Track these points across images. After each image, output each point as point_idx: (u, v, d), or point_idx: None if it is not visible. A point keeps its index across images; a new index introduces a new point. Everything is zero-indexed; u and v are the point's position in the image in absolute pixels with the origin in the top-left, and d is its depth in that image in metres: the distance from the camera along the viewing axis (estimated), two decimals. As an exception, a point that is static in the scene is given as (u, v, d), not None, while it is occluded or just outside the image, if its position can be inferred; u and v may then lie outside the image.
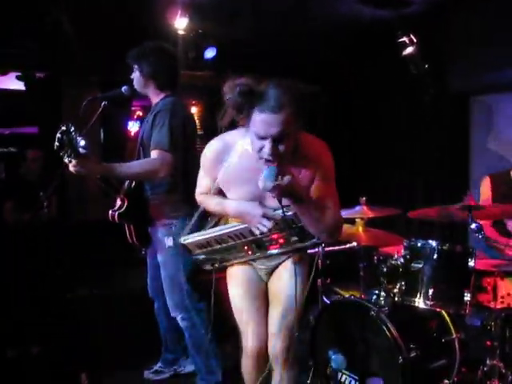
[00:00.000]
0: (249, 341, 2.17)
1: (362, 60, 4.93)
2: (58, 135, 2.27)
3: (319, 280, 3.16)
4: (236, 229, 2.02)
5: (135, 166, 2.62)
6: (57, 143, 2.28)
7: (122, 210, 2.68)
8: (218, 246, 2.09)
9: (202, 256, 2.15)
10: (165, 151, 2.53)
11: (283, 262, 2.16)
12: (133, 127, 5.78)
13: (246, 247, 2.07)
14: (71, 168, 2.37)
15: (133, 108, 5.71)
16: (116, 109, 4.06)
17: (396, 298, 2.53)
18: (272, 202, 1.86)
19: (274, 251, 2.07)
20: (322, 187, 1.93)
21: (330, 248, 3.22)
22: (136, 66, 2.75)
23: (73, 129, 2.28)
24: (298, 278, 2.05)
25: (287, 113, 1.71)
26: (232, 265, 2.18)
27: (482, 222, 3.03)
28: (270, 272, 2.20)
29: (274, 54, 4.61)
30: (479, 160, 4.32)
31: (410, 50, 4.29)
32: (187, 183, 2.56)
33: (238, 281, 2.21)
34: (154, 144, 2.57)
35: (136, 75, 2.77)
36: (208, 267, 2.18)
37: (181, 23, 4.02)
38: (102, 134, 5.25)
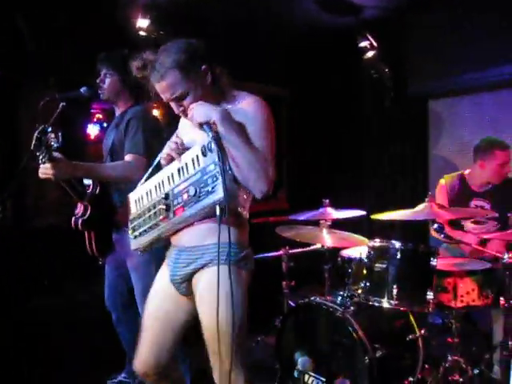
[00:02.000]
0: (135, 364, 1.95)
1: (327, 64, 4.99)
2: (37, 135, 2.20)
3: (284, 283, 3.17)
4: (150, 171, 1.94)
5: (118, 168, 2.57)
6: (35, 142, 2.20)
7: (86, 216, 2.60)
8: (142, 213, 1.90)
9: (143, 237, 1.91)
10: (140, 155, 2.54)
11: (201, 269, 1.80)
12: (92, 130, 5.64)
13: (159, 209, 1.82)
14: (41, 171, 2.28)
15: (92, 110, 5.58)
16: (75, 110, 3.95)
17: (361, 299, 2.55)
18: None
19: (180, 217, 1.75)
20: (253, 140, 1.76)
21: (295, 250, 3.22)
22: (113, 73, 2.69)
23: (50, 129, 2.20)
24: (224, 298, 1.68)
25: (172, 77, 1.76)
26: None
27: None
28: (189, 282, 1.86)
29: (241, 59, 4.61)
30: (438, 161, 4.44)
31: (370, 54, 4.38)
32: None
33: (149, 296, 1.99)
34: (129, 149, 2.57)
35: (111, 81, 2.71)
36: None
37: (142, 24, 3.95)
38: (60, 136, 5.08)
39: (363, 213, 3.14)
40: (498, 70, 3.74)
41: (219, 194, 1.62)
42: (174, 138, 1.85)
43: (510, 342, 2.46)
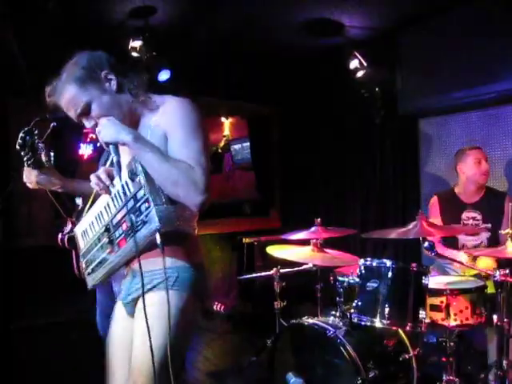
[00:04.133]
0: None
1: (317, 83, 5.03)
2: (22, 134, 2.17)
3: (276, 302, 3.14)
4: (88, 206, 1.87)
5: None
6: (20, 141, 2.17)
7: (73, 233, 2.57)
8: (90, 247, 1.83)
9: (96, 273, 1.82)
10: None
11: (148, 292, 1.67)
12: (86, 150, 5.64)
13: (104, 242, 1.75)
14: (25, 173, 2.23)
15: (85, 130, 5.58)
16: (67, 131, 3.95)
17: (353, 318, 2.52)
18: None
19: (125, 248, 1.65)
20: (176, 143, 1.63)
21: (286, 270, 3.20)
22: None
23: (36, 132, 2.18)
24: (154, 328, 1.56)
25: (70, 91, 1.67)
26: None
27: (431, 239, 3.14)
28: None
29: (230, 77, 4.65)
30: (429, 178, 4.46)
31: (360, 73, 4.43)
32: None
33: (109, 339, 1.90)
34: None
35: None
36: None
37: (134, 45, 3.99)
38: (52, 157, 5.08)
39: (354, 231, 3.13)
40: (485, 89, 3.79)
41: (154, 222, 1.52)
42: (99, 171, 1.70)
43: (504, 361, 2.43)
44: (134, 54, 4.00)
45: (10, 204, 3.98)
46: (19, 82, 3.90)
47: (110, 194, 1.67)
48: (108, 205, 1.71)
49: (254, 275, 3.34)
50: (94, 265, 1.81)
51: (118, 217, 1.65)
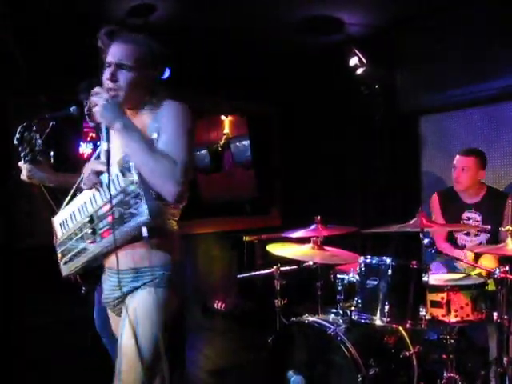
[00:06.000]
0: None
1: (318, 81, 5.03)
2: (20, 129, 2.17)
3: (276, 300, 3.14)
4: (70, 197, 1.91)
5: None
6: (18, 136, 2.16)
7: None
8: (69, 237, 1.85)
9: (73, 262, 1.85)
10: None
11: (133, 292, 1.74)
12: (86, 149, 5.64)
13: (86, 232, 1.77)
14: (24, 170, 2.23)
15: (85, 129, 5.58)
16: (67, 130, 3.95)
17: (353, 316, 2.53)
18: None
19: (108, 239, 1.69)
20: (164, 140, 1.71)
21: (287, 268, 3.20)
22: None
23: (34, 128, 2.17)
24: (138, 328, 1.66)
25: (136, 49, 1.79)
26: None
27: (436, 237, 3.14)
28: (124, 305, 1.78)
29: (230, 76, 4.65)
30: (429, 176, 4.45)
31: (360, 71, 4.42)
32: None
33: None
34: None
35: None
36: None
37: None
38: (51, 156, 5.08)
39: (354, 229, 3.13)
40: (485, 86, 3.79)
41: (144, 215, 1.59)
42: (91, 164, 1.80)
43: (504, 358, 2.43)
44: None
45: (10, 203, 3.98)
46: (19, 82, 3.90)
47: (98, 188, 1.73)
48: (94, 196, 1.75)
49: (255, 273, 3.33)
50: (71, 254, 1.83)
51: (105, 209, 1.70)
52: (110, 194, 1.66)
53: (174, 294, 1.75)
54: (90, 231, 1.75)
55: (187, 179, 1.67)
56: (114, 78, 1.77)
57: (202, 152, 5.58)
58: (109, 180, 1.67)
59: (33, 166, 2.16)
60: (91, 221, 1.74)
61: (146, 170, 1.63)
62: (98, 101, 1.68)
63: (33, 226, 4.52)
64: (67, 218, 1.87)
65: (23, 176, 2.21)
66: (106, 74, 1.78)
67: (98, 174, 1.73)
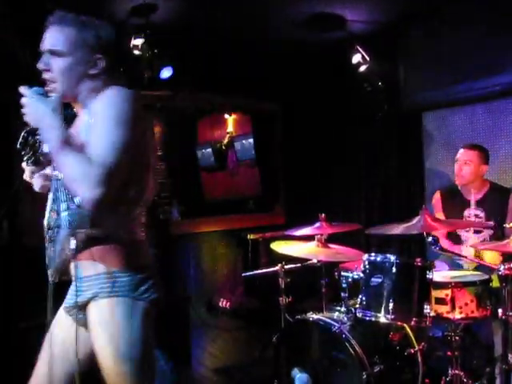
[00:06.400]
0: None
1: (320, 78, 5.02)
2: (24, 134, 2.18)
3: (281, 298, 3.14)
4: None
5: None
6: (21, 140, 2.17)
7: None
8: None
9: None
10: None
11: (91, 301, 1.61)
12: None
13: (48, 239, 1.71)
14: (26, 171, 2.25)
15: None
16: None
17: (357, 313, 2.53)
18: None
19: (57, 249, 1.64)
20: (95, 133, 1.52)
21: (291, 266, 3.20)
22: None
23: (38, 132, 2.19)
24: (103, 334, 1.57)
25: (67, 31, 1.62)
26: None
27: (437, 234, 3.13)
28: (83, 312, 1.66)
29: (232, 74, 4.65)
30: (433, 173, 4.44)
31: (363, 68, 4.41)
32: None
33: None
34: None
35: None
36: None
37: (136, 43, 3.99)
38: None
39: (359, 227, 3.13)
40: (489, 81, 3.77)
41: (65, 227, 1.57)
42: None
43: (509, 355, 2.43)
44: (136, 52, 4.00)
45: (13, 203, 3.99)
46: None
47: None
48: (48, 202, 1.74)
49: (259, 271, 3.33)
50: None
51: (53, 215, 1.68)
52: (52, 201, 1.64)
53: (137, 301, 1.59)
54: (48, 238, 1.70)
55: (112, 181, 1.45)
56: (46, 68, 1.61)
57: (207, 151, 5.59)
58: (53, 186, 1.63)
59: (35, 168, 2.18)
60: (48, 227, 1.69)
61: (63, 174, 1.53)
62: (24, 101, 1.55)
63: (34, 225, 4.52)
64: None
65: (25, 177, 2.23)
66: (39, 63, 1.62)
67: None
